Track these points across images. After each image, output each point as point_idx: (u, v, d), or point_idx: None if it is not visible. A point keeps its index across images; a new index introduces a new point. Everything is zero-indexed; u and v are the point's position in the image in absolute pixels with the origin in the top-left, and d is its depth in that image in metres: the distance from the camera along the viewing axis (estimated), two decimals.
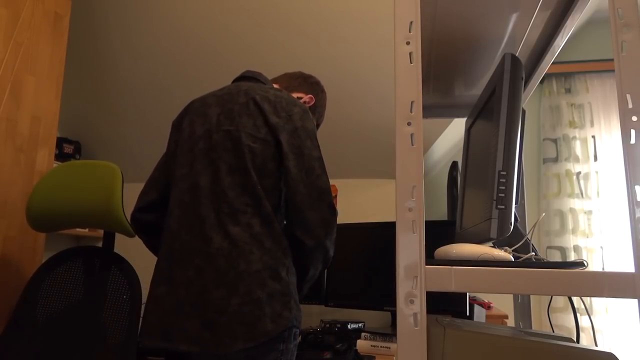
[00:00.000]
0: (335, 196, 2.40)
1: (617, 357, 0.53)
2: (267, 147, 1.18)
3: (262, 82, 1.34)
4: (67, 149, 2.47)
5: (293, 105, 1.23)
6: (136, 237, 1.33)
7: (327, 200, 1.17)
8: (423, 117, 0.73)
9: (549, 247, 2.58)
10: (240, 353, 1.06)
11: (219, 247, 1.11)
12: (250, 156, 1.17)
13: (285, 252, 1.17)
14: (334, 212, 1.18)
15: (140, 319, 1.26)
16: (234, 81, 1.38)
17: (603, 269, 2.50)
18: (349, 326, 1.86)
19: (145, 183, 1.33)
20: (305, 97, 1.44)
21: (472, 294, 1.93)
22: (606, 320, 2.43)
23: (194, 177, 1.19)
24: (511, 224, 0.64)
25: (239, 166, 1.16)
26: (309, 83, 1.47)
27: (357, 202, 2.37)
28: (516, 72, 0.70)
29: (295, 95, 1.42)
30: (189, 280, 1.11)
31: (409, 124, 0.58)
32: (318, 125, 1.53)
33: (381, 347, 1.63)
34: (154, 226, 1.31)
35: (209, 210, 1.15)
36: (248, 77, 1.35)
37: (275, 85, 1.41)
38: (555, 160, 2.65)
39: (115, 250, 1.39)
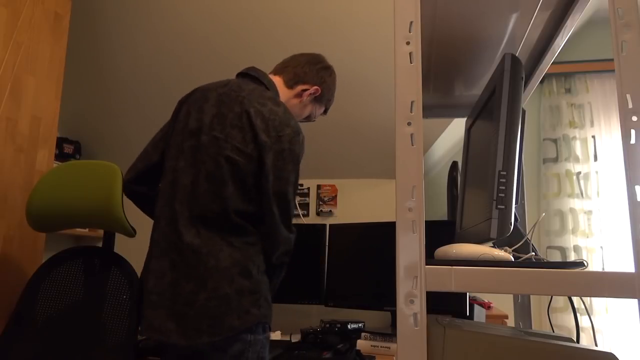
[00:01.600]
0: (335, 196, 2.40)
1: (617, 357, 0.53)
2: (251, 163, 1.20)
3: (265, 85, 1.34)
4: (67, 149, 2.47)
5: (285, 125, 1.23)
6: (136, 237, 1.33)
7: (290, 224, 1.27)
8: (423, 117, 0.73)
9: (549, 247, 2.58)
10: (206, 345, 1.11)
11: (190, 242, 1.15)
12: (231, 168, 1.20)
13: (257, 251, 1.21)
14: (292, 232, 1.29)
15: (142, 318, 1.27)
16: (237, 75, 1.38)
17: (603, 269, 2.50)
18: (349, 326, 1.86)
19: (137, 156, 1.40)
20: (311, 89, 1.42)
21: (472, 294, 1.93)
22: (606, 320, 2.43)
23: (177, 172, 1.23)
24: (511, 224, 0.64)
25: (217, 175, 1.19)
26: (316, 70, 1.44)
27: (357, 202, 2.37)
28: (516, 72, 0.70)
29: (300, 88, 1.40)
30: (162, 272, 1.16)
31: (409, 124, 0.58)
32: (327, 109, 1.53)
33: (381, 347, 1.63)
34: (146, 197, 1.38)
35: (184, 208, 1.19)
36: (252, 76, 1.35)
37: (278, 78, 1.40)
38: (555, 160, 2.65)
39: (115, 250, 1.39)
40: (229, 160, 1.19)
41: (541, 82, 2.72)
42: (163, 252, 1.18)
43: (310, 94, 1.42)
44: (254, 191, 1.22)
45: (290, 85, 1.41)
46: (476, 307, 1.71)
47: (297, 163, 1.25)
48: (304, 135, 1.28)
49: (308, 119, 1.50)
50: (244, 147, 1.20)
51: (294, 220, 1.33)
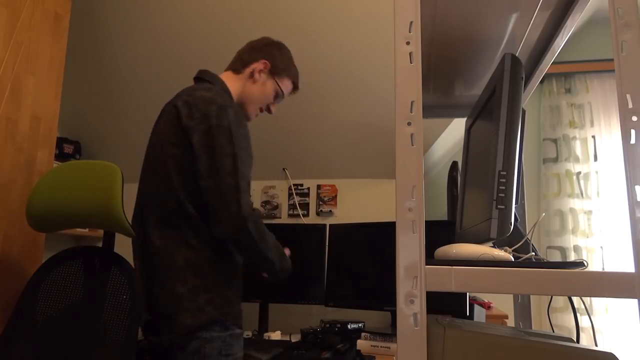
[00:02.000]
0: (335, 196, 2.40)
1: (617, 357, 0.53)
2: (186, 152, 1.21)
3: (207, 80, 1.35)
4: (67, 149, 2.47)
5: (210, 103, 1.23)
6: None
7: (235, 198, 1.16)
8: (423, 117, 0.73)
9: (549, 247, 2.58)
10: (168, 343, 1.17)
11: (154, 244, 1.22)
12: (173, 162, 1.23)
13: (214, 250, 1.22)
14: (240, 208, 1.16)
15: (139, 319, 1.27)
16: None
17: (603, 269, 2.50)
18: (349, 326, 1.86)
19: None
20: (259, 65, 1.40)
21: (472, 294, 1.93)
22: (606, 320, 2.43)
23: (146, 182, 1.32)
24: (511, 224, 0.64)
25: (164, 174, 1.24)
26: (259, 48, 1.43)
27: (357, 202, 2.37)
28: (516, 72, 0.70)
29: (249, 69, 1.40)
30: (139, 274, 1.27)
31: (409, 124, 0.58)
32: (296, 83, 1.48)
33: (381, 347, 1.63)
34: None
35: (150, 212, 1.26)
36: (196, 77, 1.38)
37: (227, 72, 1.41)
38: (555, 160, 2.65)
39: (115, 250, 1.39)
40: (170, 156, 1.24)
41: (541, 82, 2.72)
42: (137, 255, 1.28)
43: (261, 70, 1.40)
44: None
45: (239, 70, 1.41)
46: (476, 307, 1.71)
47: (232, 135, 1.20)
48: (237, 110, 1.26)
49: (278, 97, 1.45)
50: (176, 139, 1.23)
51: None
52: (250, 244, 1.20)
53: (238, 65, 1.42)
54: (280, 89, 1.43)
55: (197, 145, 1.20)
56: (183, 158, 1.22)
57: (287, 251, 1.38)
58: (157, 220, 1.24)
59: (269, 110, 1.46)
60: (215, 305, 1.18)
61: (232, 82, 1.39)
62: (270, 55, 1.42)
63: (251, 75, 1.40)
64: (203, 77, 1.36)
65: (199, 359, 1.15)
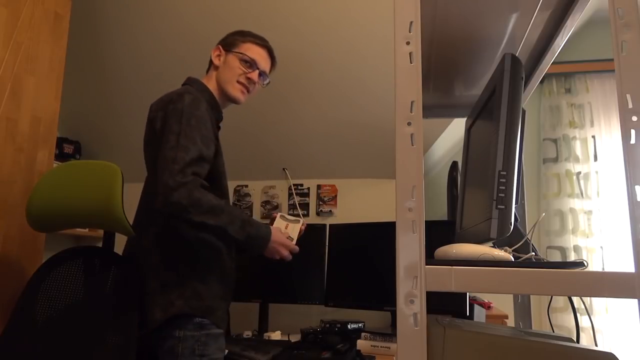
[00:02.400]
0: (335, 196, 2.40)
1: (617, 357, 0.53)
2: (158, 146, 1.24)
3: (187, 84, 1.41)
4: (67, 149, 2.47)
5: (174, 94, 1.28)
6: None
7: (167, 169, 1.13)
8: (423, 117, 0.73)
9: (549, 247, 2.58)
10: (147, 339, 1.20)
11: (141, 245, 1.27)
12: (154, 161, 1.26)
13: (187, 244, 1.24)
14: (170, 177, 1.11)
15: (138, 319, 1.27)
16: None
17: (603, 269, 2.50)
18: (349, 326, 1.86)
19: None
20: (214, 52, 1.45)
21: (472, 294, 1.93)
22: (606, 320, 2.43)
23: (145, 185, 1.37)
24: (511, 224, 0.64)
25: (150, 170, 1.33)
26: (219, 43, 1.47)
27: (357, 202, 2.37)
28: (516, 72, 0.70)
29: (211, 60, 1.45)
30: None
31: (409, 124, 0.58)
32: (258, 43, 1.44)
33: (381, 347, 1.63)
34: None
35: (143, 213, 1.32)
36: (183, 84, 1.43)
37: (204, 79, 1.45)
38: (555, 160, 2.65)
39: (115, 250, 1.38)
40: (150, 154, 1.30)
41: (541, 82, 2.72)
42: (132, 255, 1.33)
43: (218, 54, 1.44)
44: None
45: (208, 69, 1.48)
46: (476, 307, 1.71)
47: (182, 115, 1.21)
48: (196, 97, 1.27)
49: (251, 64, 1.41)
50: (152, 136, 1.29)
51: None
52: (184, 215, 1.12)
53: (210, 66, 1.48)
54: (243, 54, 1.41)
55: (158, 132, 1.25)
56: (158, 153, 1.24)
57: (293, 248, 1.37)
58: (150, 220, 1.28)
59: (250, 80, 1.42)
60: (185, 298, 1.18)
61: (209, 81, 1.44)
62: (221, 40, 1.48)
63: (215, 65, 1.44)
64: (186, 82, 1.43)
65: (172, 358, 1.16)
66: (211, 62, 1.46)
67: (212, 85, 1.42)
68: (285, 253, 1.33)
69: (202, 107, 1.26)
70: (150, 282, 1.22)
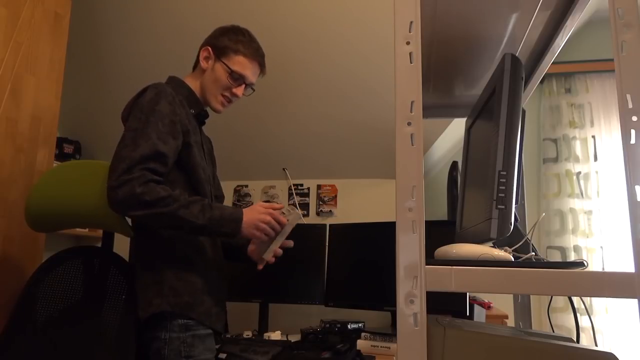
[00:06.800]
0: (335, 196, 2.40)
1: (617, 357, 0.53)
2: None
3: (168, 82, 1.38)
4: (67, 149, 2.47)
5: (141, 90, 1.26)
6: None
7: (114, 168, 1.13)
8: (423, 117, 0.73)
9: (549, 247, 2.58)
10: (141, 339, 1.20)
11: (133, 244, 1.29)
12: None
13: (166, 242, 1.24)
14: (116, 178, 1.11)
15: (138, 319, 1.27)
16: None
17: (603, 269, 2.50)
18: (349, 326, 1.86)
19: None
20: (203, 53, 1.38)
21: (472, 294, 1.93)
22: (606, 320, 2.43)
23: None
24: (511, 224, 0.64)
25: None
26: (207, 40, 1.41)
27: (357, 202, 2.37)
28: (516, 72, 0.70)
29: (198, 61, 1.40)
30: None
31: (409, 124, 0.58)
32: (250, 57, 1.37)
33: (381, 347, 1.63)
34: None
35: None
36: None
37: (187, 78, 1.41)
38: (555, 160, 2.65)
39: (115, 250, 1.38)
40: None
41: (541, 82, 2.72)
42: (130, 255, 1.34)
43: (206, 57, 1.38)
44: None
45: (194, 68, 1.43)
46: (476, 307, 1.71)
47: (142, 111, 1.18)
48: (162, 90, 1.23)
49: (237, 79, 1.37)
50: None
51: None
52: (130, 212, 1.12)
53: (194, 64, 1.44)
54: (230, 68, 1.35)
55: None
56: None
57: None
58: (135, 221, 1.30)
59: (234, 94, 1.38)
60: (163, 296, 1.18)
61: (192, 81, 1.40)
62: (212, 39, 1.40)
63: (202, 67, 1.38)
64: (167, 81, 1.39)
65: None
66: (198, 61, 1.40)
67: (195, 87, 1.38)
68: (267, 218, 1.21)
69: (163, 101, 1.21)
70: (136, 283, 1.23)
